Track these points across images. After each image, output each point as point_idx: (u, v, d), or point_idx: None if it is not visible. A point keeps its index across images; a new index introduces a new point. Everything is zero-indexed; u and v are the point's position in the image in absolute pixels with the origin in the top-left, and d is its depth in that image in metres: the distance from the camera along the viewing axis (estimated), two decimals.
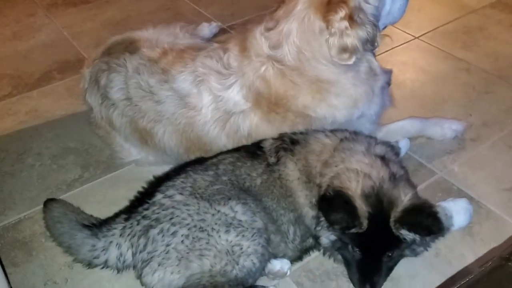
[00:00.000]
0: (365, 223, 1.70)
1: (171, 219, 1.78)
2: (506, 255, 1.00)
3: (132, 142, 2.46)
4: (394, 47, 3.29)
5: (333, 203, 1.71)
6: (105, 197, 2.38)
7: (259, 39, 2.17)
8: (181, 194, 1.86)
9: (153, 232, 1.78)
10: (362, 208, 1.70)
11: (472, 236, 2.07)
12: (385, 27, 2.28)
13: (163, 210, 1.82)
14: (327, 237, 1.84)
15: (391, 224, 1.71)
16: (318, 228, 1.85)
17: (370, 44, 2.07)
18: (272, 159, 1.99)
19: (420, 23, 3.54)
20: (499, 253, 1.02)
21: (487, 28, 3.46)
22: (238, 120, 2.20)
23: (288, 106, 2.11)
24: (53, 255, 2.09)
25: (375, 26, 2.07)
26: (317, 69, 2.10)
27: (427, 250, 1.88)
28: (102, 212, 2.17)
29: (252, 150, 2.06)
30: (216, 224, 1.77)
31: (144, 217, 1.84)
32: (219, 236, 1.75)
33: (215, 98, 2.21)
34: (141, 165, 2.53)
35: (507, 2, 3.71)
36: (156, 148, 2.39)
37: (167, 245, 1.75)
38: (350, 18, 1.97)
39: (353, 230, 1.72)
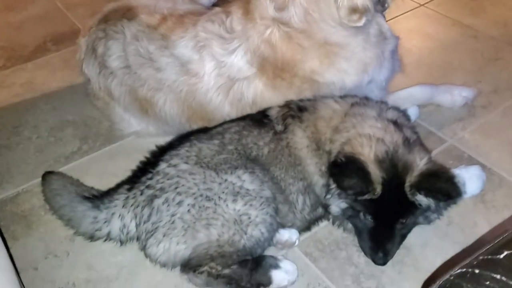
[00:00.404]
0: (378, 188, 1.64)
1: (176, 188, 1.72)
2: None
3: (132, 112, 2.38)
4: (400, 15, 3.20)
5: (345, 169, 1.65)
6: (105, 169, 2.31)
7: (264, 1, 2.06)
8: (186, 163, 1.79)
9: (158, 202, 1.72)
10: (376, 173, 1.64)
11: (485, 204, 2.02)
12: None
13: (167, 179, 1.75)
14: (337, 205, 1.78)
15: (406, 189, 1.65)
16: (328, 196, 1.79)
17: (381, 4, 1.98)
18: (279, 127, 1.92)
19: None
20: None
21: None
22: (242, 87, 2.11)
23: (295, 71, 2.03)
24: (53, 228, 2.02)
25: None
26: (325, 32, 2.00)
27: (439, 218, 1.83)
28: (103, 184, 2.11)
29: (258, 119, 1.98)
30: (223, 193, 1.71)
31: (148, 187, 1.77)
32: (227, 205, 1.69)
33: (218, 64, 2.12)
34: (141, 137, 2.45)
35: None
36: (157, 118, 2.31)
37: (173, 215, 1.69)
38: None
39: (366, 197, 1.66)
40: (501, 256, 0.88)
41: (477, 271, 0.86)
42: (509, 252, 0.88)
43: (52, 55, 3.11)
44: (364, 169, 1.64)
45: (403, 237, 1.78)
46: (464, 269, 0.88)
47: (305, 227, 1.95)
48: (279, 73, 2.06)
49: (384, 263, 1.76)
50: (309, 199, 1.88)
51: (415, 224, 1.78)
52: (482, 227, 1.94)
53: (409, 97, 2.41)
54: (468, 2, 3.29)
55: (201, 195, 1.70)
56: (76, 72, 2.68)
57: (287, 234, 1.86)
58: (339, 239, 1.94)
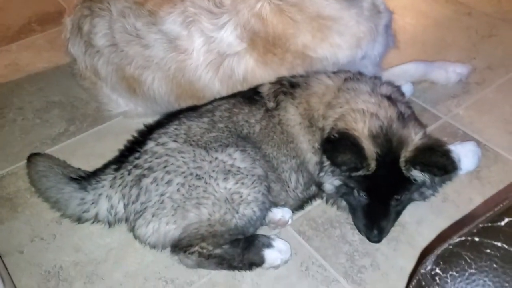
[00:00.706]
0: (373, 164, 1.60)
1: (165, 167, 1.67)
2: None
3: (119, 92, 2.32)
4: None
5: (338, 145, 1.60)
6: (92, 150, 2.25)
7: None
8: (175, 141, 1.74)
9: (146, 181, 1.67)
10: (370, 148, 1.60)
11: (480, 180, 1.99)
12: None
13: (156, 158, 1.70)
14: (331, 182, 1.74)
15: (401, 164, 1.61)
16: (322, 174, 1.75)
17: None
18: (271, 104, 1.87)
19: None
20: None
21: None
22: (232, 63, 2.05)
23: (286, 46, 1.97)
24: (39, 211, 1.98)
25: None
26: (317, 5, 1.94)
27: (435, 194, 1.80)
28: (91, 165, 2.06)
29: (249, 96, 1.93)
30: (213, 171, 1.66)
31: (135, 166, 1.72)
32: (217, 184, 1.65)
33: (207, 39, 2.05)
34: (129, 117, 2.39)
35: None
36: (145, 97, 2.25)
37: (162, 195, 1.64)
38: None
39: (360, 172, 1.62)
40: (502, 223, 0.84)
41: (477, 239, 0.82)
42: (510, 219, 0.85)
43: (37, 36, 3.04)
44: (358, 144, 1.59)
45: (398, 214, 1.75)
46: (463, 238, 0.84)
47: (299, 206, 1.92)
48: (270, 48, 2.00)
49: (379, 241, 1.73)
50: (302, 177, 1.83)
51: (410, 200, 1.75)
52: (477, 203, 1.91)
53: (403, 73, 2.37)
54: None
55: (191, 174, 1.65)
56: (62, 52, 2.61)
57: (280, 213, 1.82)
58: (332, 218, 1.91)
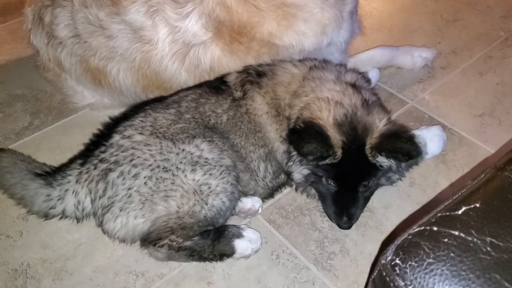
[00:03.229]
0: (339, 152, 1.61)
1: (131, 160, 1.64)
2: (500, 165, 0.92)
3: (84, 84, 2.27)
4: None
5: (304, 135, 1.61)
6: (58, 144, 2.21)
7: None
8: (141, 134, 1.72)
9: (113, 175, 1.64)
10: (335, 137, 1.61)
11: (446, 164, 2.03)
12: None
13: (122, 151, 1.67)
14: (299, 172, 1.75)
15: (367, 151, 1.62)
16: (290, 164, 1.76)
17: None
18: (238, 94, 1.86)
19: None
20: (493, 164, 0.93)
21: None
22: (198, 53, 2.03)
23: (252, 34, 1.96)
24: (4, 208, 1.94)
25: None
26: None
27: (402, 179, 1.83)
28: (57, 160, 2.03)
29: (216, 85, 1.91)
30: (181, 163, 1.65)
31: (101, 160, 1.69)
32: (185, 176, 1.63)
33: (172, 29, 2.02)
34: (96, 109, 2.35)
35: None
36: (111, 88, 2.21)
37: (129, 189, 1.62)
38: None
39: (327, 161, 1.63)
40: (459, 212, 0.86)
41: (435, 228, 0.84)
42: (467, 207, 0.86)
43: None
44: (323, 133, 1.60)
45: (367, 199, 1.77)
46: (422, 227, 0.86)
47: (268, 195, 1.92)
48: (236, 37, 1.99)
49: (349, 227, 1.76)
50: (271, 166, 1.84)
51: (377, 186, 1.78)
52: (443, 187, 1.95)
53: (370, 59, 2.38)
54: None
55: (158, 167, 1.63)
56: (24, 44, 2.56)
57: (250, 202, 1.83)
58: (302, 205, 1.92)
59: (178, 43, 2.04)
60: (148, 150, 1.66)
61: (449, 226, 0.84)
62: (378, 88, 2.35)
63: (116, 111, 2.19)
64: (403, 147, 1.58)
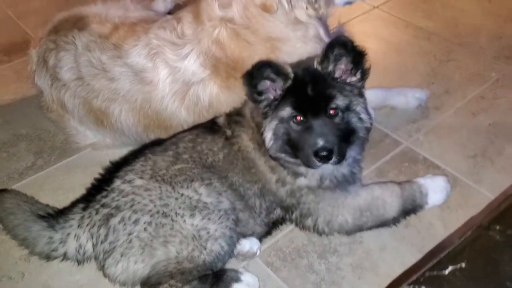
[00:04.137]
0: (289, 70, 1.72)
1: (132, 206, 1.69)
2: (485, 224, 0.96)
3: (87, 124, 2.33)
4: (354, 18, 3.24)
5: (254, 67, 1.72)
6: (61, 184, 2.26)
7: (210, 2, 2.10)
8: (141, 178, 1.77)
9: (114, 221, 1.69)
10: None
11: (440, 205, 2.06)
12: (349, 1, 2.21)
13: (123, 197, 1.72)
14: (270, 127, 1.78)
15: (317, 66, 1.74)
16: (262, 129, 1.80)
17: (311, 7, 2.05)
18: (229, 132, 1.93)
19: None
20: (478, 223, 0.98)
21: None
22: (197, 91, 2.12)
23: (244, 69, 2.01)
24: (7, 249, 1.97)
25: None
26: (265, 26, 2.06)
27: (371, 121, 1.84)
28: (59, 200, 2.07)
29: (210, 126, 1.99)
30: (180, 208, 1.70)
31: (103, 205, 1.74)
32: (184, 221, 1.68)
33: (172, 70, 2.12)
34: (98, 149, 2.41)
35: None
36: (113, 128, 2.28)
37: (129, 234, 1.67)
38: None
39: (283, 85, 1.73)
40: (446, 271, 0.90)
41: None
42: (453, 267, 0.91)
43: (3, 67, 3.03)
44: (272, 61, 1.75)
45: (345, 133, 1.76)
46: (411, 286, 0.90)
47: (266, 232, 1.96)
48: (231, 73, 2.08)
49: (329, 155, 1.70)
50: (264, 201, 1.89)
51: (350, 123, 1.77)
52: (438, 228, 1.99)
53: None
54: (419, 4, 3.36)
55: (157, 212, 1.68)
56: (29, 84, 2.63)
57: (248, 245, 1.86)
58: (300, 247, 1.95)
59: (178, 82, 2.13)
60: (148, 195, 1.71)
61: (436, 285, 0.88)
62: (373, 128, 2.39)
63: (117, 151, 2.27)
64: (337, 41, 1.71)
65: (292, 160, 1.81)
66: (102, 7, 2.47)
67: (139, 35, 2.20)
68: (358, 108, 1.79)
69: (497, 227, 0.93)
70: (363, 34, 3.08)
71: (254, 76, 1.72)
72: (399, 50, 2.99)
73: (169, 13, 3.22)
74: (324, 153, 1.69)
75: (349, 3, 2.21)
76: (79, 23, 2.32)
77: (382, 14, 3.30)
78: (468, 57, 2.87)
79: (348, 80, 1.80)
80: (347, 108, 1.76)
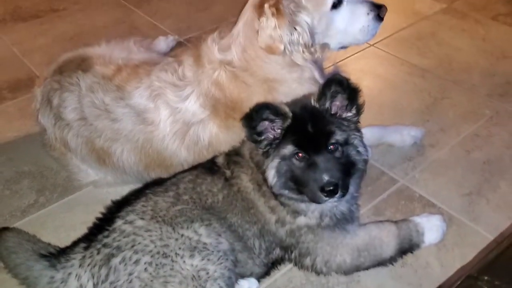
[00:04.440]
0: (287, 110, 1.76)
1: (133, 246, 1.72)
2: (474, 274, 1.00)
3: (89, 163, 2.38)
4: (351, 55, 3.32)
5: (253, 110, 1.76)
6: (63, 222, 2.29)
7: (211, 46, 2.18)
8: (142, 219, 1.80)
9: (115, 261, 1.71)
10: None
11: (436, 244, 2.09)
12: (344, 46, 2.30)
13: (124, 237, 1.75)
14: (273, 166, 1.80)
15: (314, 104, 1.79)
16: (264, 167, 1.82)
17: (307, 51, 2.12)
18: (228, 173, 1.97)
19: None
20: (467, 272, 1.01)
21: (440, 34, 3.54)
22: (197, 131, 2.18)
23: (243, 109, 2.07)
24: None
25: (308, 35, 2.09)
26: (263, 68, 2.13)
27: (368, 152, 1.89)
28: (61, 238, 2.10)
29: (209, 166, 2.03)
30: (180, 249, 1.72)
31: (104, 245, 1.76)
32: (184, 261, 1.70)
33: (173, 110, 2.18)
34: (99, 187, 2.45)
35: (457, 8, 3.82)
36: (115, 167, 2.32)
37: (130, 274, 1.69)
38: (278, 14, 2.00)
39: (280, 123, 1.77)
40: None
41: None
42: None
43: (8, 103, 3.08)
44: (270, 103, 1.79)
45: (346, 167, 1.80)
46: None
47: (265, 272, 1.98)
48: (230, 113, 2.14)
49: (335, 189, 1.73)
50: (264, 242, 1.91)
51: (349, 156, 1.82)
52: (434, 267, 2.01)
53: None
54: (415, 42, 3.45)
55: (158, 253, 1.70)
56: (33, 121, 2.67)
57: (247, 285, 1.89)
58: (298, 287, 1.97)
59: (178, 123, 2.19)
60: (148, 236, 1.74)
61: None
62: (370, 166, 2.45)
63: (118, 189, 2.30)
64: (333, 80, 1.76)
65: (295, 196, 1.85)
66: (106, 48, 2.55)
67: (142, 77, 2.28)
68: (356, 142, 1.85)
69: (485, 277, 0.97)
70: (360, 71, 3.16)
71: (253, 118, 1.77)
72: (395, 87, 3.06)
73: (172, 49, 3.33)
74: (331, 188, 1.74)
75: (343, 47, 2.29)
76: (83, 64, 2.39)
77: (378, 51, 3.39)
78: (462, 95, 2.94)
79: (344, 116, 1.85)
80: (346, 142, 1.82)
